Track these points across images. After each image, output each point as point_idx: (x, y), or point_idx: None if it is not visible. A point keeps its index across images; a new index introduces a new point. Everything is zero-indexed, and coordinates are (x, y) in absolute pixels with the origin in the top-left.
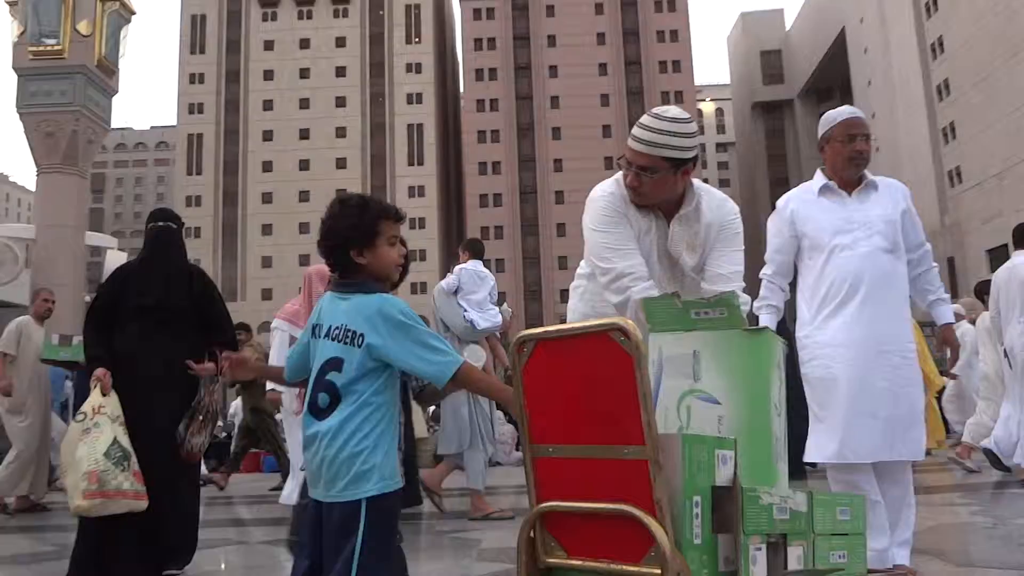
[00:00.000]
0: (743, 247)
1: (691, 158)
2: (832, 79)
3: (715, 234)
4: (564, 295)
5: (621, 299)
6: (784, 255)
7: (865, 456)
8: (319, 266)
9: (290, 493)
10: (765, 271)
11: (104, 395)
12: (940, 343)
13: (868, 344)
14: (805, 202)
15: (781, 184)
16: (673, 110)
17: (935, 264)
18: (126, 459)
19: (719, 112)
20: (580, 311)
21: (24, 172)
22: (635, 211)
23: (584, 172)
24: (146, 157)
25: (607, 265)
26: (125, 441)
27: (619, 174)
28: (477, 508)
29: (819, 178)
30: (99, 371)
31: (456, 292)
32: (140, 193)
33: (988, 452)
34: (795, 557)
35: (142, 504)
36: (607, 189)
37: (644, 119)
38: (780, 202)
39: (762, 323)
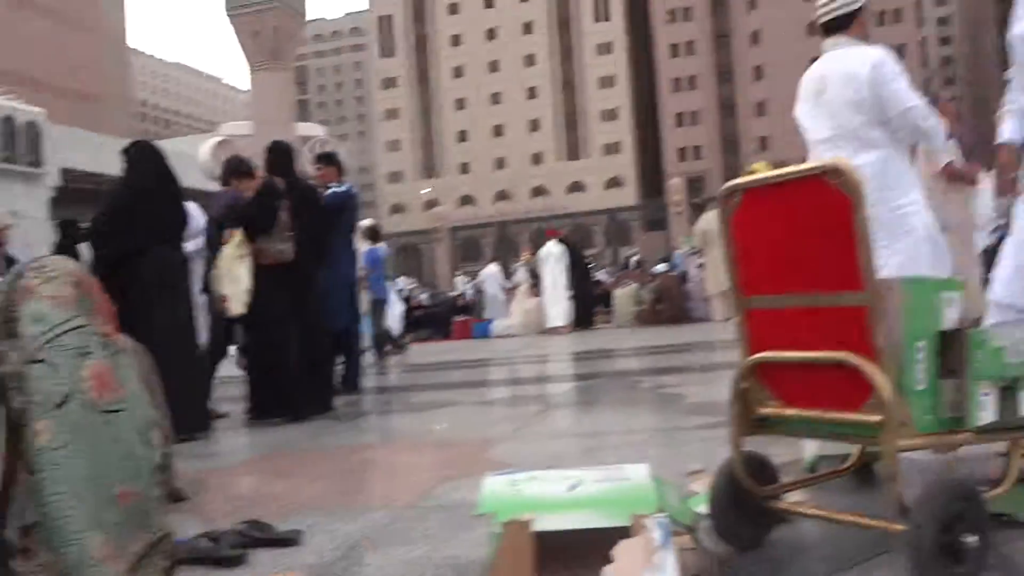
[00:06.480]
0: None
1: None
2: None
3: None
4: (765, 143)
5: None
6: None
7: None
8: None
9: None
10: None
11: None
12: None
13: None
14: None
15: None
16: None
17: None
18: None
19: None
20: None
21: (234, 74)
22: None
23: (780, 11)
24: (341, 45)
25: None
26: None
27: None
28: None
29: None
30: None
31: None
32: (340, 81)
33: None
34: None
35: None
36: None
37: None
38: None
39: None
